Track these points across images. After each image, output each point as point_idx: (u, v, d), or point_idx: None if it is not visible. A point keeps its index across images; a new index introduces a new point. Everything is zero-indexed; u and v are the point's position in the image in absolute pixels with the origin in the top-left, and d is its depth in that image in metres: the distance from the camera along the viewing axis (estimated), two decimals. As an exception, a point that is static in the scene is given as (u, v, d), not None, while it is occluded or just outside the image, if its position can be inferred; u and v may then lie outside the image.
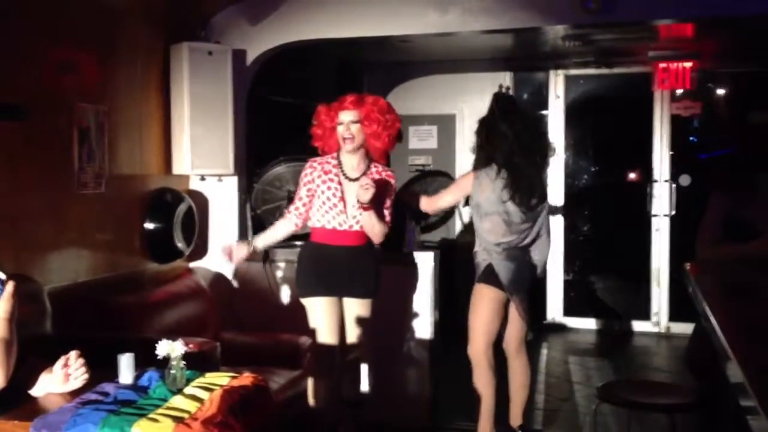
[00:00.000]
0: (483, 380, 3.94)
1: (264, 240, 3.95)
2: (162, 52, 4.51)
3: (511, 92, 7.05)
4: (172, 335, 2.88)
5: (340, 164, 3.80)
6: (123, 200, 4.19)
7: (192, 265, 4.77)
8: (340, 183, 3.76)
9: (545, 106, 7.32)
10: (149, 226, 4.37)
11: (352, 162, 3.79)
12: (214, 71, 4.56)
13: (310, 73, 6.57)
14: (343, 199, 3.74)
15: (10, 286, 2.41)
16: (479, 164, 4.00)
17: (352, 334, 3.92)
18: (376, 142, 3.77)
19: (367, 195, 3.53)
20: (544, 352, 6.65)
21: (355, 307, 3.88)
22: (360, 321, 3.90)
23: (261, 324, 4.59)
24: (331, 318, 3.83)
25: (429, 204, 4.26)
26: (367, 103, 3.75)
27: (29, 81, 3.48)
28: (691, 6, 4.49)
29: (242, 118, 4.85)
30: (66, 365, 2.46)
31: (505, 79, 7.11)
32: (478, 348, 3.93)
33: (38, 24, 3.52)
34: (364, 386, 4.14)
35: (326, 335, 3.81)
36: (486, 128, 4.01)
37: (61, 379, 2.46)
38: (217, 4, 4.77)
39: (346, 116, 3.73)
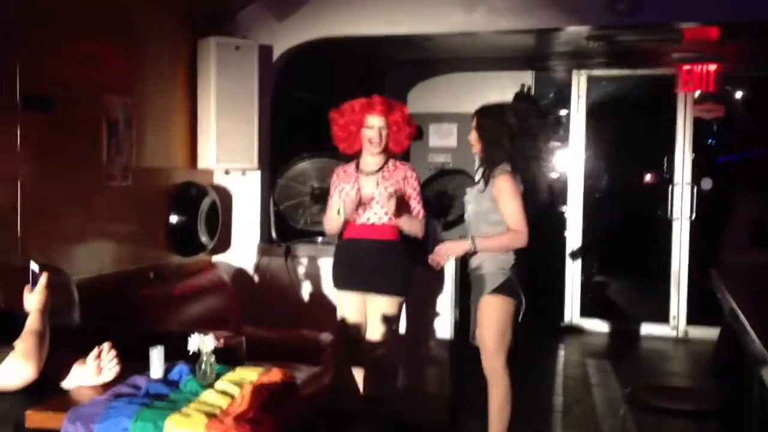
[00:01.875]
0: (506, 396, 3.73)
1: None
2: (189, 47, 4.53)
3: (532, 92, 7.06)
4: (195, 328, 2.90)
5: (357, 164, 3.96)
6: (149, 193, 4.21)
7: (215, 259, 4.79)
8: (357, 179, 3.90)
9: (567, 106, 7.29)
10: (174, 219, 4.39)
11: (374, 161, 3.92)
12: (241, 66, 4.58)
13: (331, 70, 6.57)
14: (359, 192, 3.86)
15: (43, 278, 2.43)
16: (502, 164, 3.75)
17: (376, 332, 3.88)
18: (396, 147, 3.96)
19: (391, 204, 3.65)
20: (561, 354, 6.65)
21: (379, 304, 3.86)
22: (385, 319, 3.86)
23: (281, 319, 4.60)
24: (353, 313, 3.93)
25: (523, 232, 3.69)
26: (395, 111, 3.87)
27: (59, 73, 3.50)
28: (717, 9, 4.47)
29: (267, 114, 4.86)
30: (99, 357, 2.48)
31: (526, 78, 7.09)
32: (501, 363, 3.71)
33: (68, 16, 3.54)
34: (386, 385, 4.06)
35: (347, 329, 3.94)
36: (506, 128, 3.74)
37: (93, 370, 2.48)
38: (243, 0, 4.78)
39: (376, 121, 3.84)
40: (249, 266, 4.85)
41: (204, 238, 4.55)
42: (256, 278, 4.85)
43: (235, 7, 4.79)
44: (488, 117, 3.80)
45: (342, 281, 3.96)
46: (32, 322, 2.36)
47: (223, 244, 4.81)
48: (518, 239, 3.63)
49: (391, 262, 3.86)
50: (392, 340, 3.94)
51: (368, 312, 3.91)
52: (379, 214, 3.83)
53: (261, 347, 4.04)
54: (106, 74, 3.84)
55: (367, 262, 3.85)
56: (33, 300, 2.41)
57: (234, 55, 4.57)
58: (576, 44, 6.38)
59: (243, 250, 4.86)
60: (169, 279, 4.24)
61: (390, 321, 3.88)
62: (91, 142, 3.71)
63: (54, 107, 3.40)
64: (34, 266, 2.48)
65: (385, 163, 3.91)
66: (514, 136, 3.73)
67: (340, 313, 4.00)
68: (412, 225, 3.85)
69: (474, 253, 3.75)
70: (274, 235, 4.88)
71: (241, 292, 4.67)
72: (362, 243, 3.86)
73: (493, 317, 3.69)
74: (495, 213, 3.69)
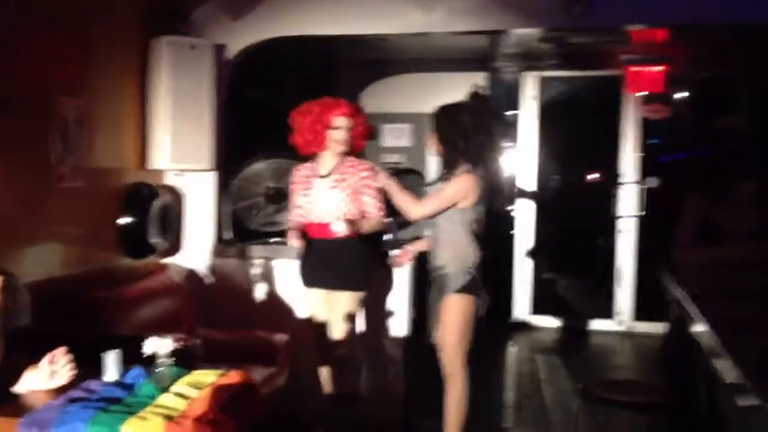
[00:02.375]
0: (463, 394, 3.78)
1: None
2: (142, 47, 4.47)
3: (485, 92, 7.13)
4: (147, 331, 2.87)
5: (315, 164, 4.04)
6: (99, 194, 4.14)
7: (167, 260, 4.73)
8: (312, 179, 4.01)
9: (518, 107, 7.39)
10: (124, 220, 4.32)
11: (330, 162, 3.99)
12: (195, 66, 4.53)
13: (285, 70, 6.55)
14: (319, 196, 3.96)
15: None
16: (460, 164, 3.80)
17: (338, 329, 3.96)
18: (357, 144, 4.06)
19: (344, 227, 3.73)
20: (511, 350, 6.74)
21: (340, 300, 3.96)
22: (345, 315, 3.94)
23: (236, 321, 4.57)
24: (318, 309, 4.07)
25: (421, 212, 3.86)
26: (359, 114, 4.01)
27: (8, 74, 3.42)
28: (664, 12, 4.57)
29: (221, 114, 4.82)
30: (52, 361, 2.44)
31: (479, 79, 7.15)
32: (460, 362, 3.77)
33: (17, 17, 3.46)
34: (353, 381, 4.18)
35: (315, 326, 4.09)
36: (461, 128, 3.80)
37: (47, 375, 2.44)
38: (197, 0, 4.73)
39: (344, 122, 3.92)
40: (202, 268, 4.81)
41: (155, 240, 4.49)
42: (209, 280, 4.80)
43: (189, 6, 4.74)
44: (444, 117, 3.85)
45: (307, 279, 4.09)
46: None
47: (176, 246, 4.76)
48: (412, 209, 3.84)
49: (350, 259, 3.95)
50: (354, 336, 4.05)
51: (331, 309, 3.99)
52: (335, 213, 3.90)
53: (215, 349, 3.98)
54: (57, 75, 3.77)
55: (327, 260, 3.95)
56: None
57: (188, 54, 4.52)
58: (528, 46, 6.48)
59: (196, 252, 4.81)
60: (120, 282, 4.18)
61: (352, 317, 3.98)
62: (40, 143, 3.63)
63: (9, 108, 3.33)
64: None
65: (341, 163, 3.97)
66: (469, 136, 3.77)
67: (309, 311, 4.13)
68: (370, 227, 3.94)
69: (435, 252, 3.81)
70: (228, 236, 4.84)
71: (195, 293, 4.62)
72: (322, 242, 3.95)
73: (455, 316, 3.74)
74: (454, 212, 3.73)
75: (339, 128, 3.91)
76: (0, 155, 3.35)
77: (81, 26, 3.96)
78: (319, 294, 4.05)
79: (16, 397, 2.42)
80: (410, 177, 6.95)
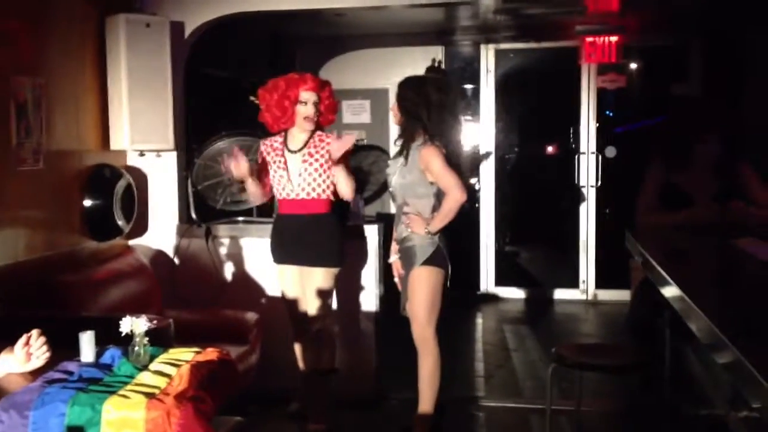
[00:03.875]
0: (436, 364, 3.80)
1: (251, 187, 4.02)
2: (97, 24, 4.37)
3: (443, 66, 7.16)
4: (116, 313, 2.84)
5: (285, 140, 3.97)
6: (61, 177, 4.07)
7: (132, 242, 4.68)
8: (283, 155, 3.94)
9: (477, 80, 7.42)
10: (87, 203, 4.26)
11: (301, 137, 3.95)
12: (152, 44, 4.45)
13: (243, 47, 6.48)
14: (286, 169, 3.92)
15: None
16: (420, 135, 3.80)
17: (313, 305, 3.98)
18: (324, 122, 4.02)
19: (338, 152, 3.72)
20: (479, 321, 6.82)
21: (314, 277, 3.95)
22: (319, 292, 3.94)
23: (204, 301, 4.55)
24: (291, 286, 4.06)
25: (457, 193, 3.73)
26: (326, 87, 3.95)
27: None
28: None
29: (181, 93, 4.76)
30: (27, 344, 2.41)
31: (437, 53, 7.18)
32: (431, 333, 3.79)
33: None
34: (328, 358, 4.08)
35: (288, 303, 4.08)
36: (425, 100, 3.78)
37: (22, 358, 2.41)
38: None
39: (311, 96, 3.87)
40: (168, 248, 4.76)
41: (120, 222, 4.43)
42: (176, 260, 4.76)
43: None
44: (408, 89, 3.85)
45: (279, 256, 4.05)
46: None
47: (141, 227, 4.70)
48: (456, 198, 3.69)
49: (324, 235, 3.94)
50: (329, 311, 4.06)
51: (306, 285, 3.99)
52: (307, 189, 3.90)
53: (186, 329, 3.97)
54: (12, 53, 3.68)
55: (300, 236, 3.93)
56: None
57: (144, 32, 4.44)
58: (484, 19, 6.50)
59: (161, 233, 4.76)
60: (86, 264, 4.12)
61: (327, 293, 4.00)
62: (-1, 124, 3.55)
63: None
64: None
65: (310, 138, 3.95)
66: (431, 109, 3.79)
67: (282, 287, 4.11)
68: (348, 180, 3.88)
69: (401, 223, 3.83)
70: (193, 215, 4.80)
71: (162, 275, 4.58)
72: (294, 218, 3.95)
73: (424, 288, 3.77)
74: (421, 185, 3.78)
75: (306, 102, 3.87)
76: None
77: (36, 3, 3.86)
78: (292, 271, 4.03)
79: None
80: (373, 153, 6.96)
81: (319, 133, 3.96)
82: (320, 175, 3.90)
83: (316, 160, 3.90)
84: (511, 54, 7.55)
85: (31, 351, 2.42)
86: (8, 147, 3.59)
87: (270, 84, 3.93)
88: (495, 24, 6.66)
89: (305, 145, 3.93)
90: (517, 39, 7.18)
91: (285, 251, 4.01)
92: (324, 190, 3.91)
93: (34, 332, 2.44)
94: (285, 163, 3.94)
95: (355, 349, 4.62)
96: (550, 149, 8.42)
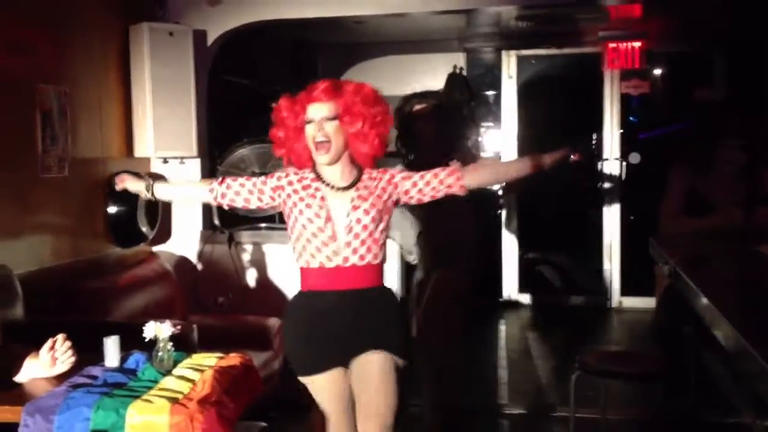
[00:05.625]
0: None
1: (165, 191, 2.96)
2: (121, 33, 4.42)
3: (464, 73, 7.15)
4: (140, 319, 2.86)
5: (319, 177, 2.68)
6: (86, 184, 4.11)
7: (156, 248, 4.71)
8: (323, 198, 2.63)
9: (498, 87, 7.41)
10: (112, 209, 4.30)
11: (335, 171, 2.67)
12: (175, 52, 4.50)
13: (265, 55, 6.52)
14: (330, 218, 2.61)
15: None
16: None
17: (371, 407, 2.66)
18: (361, 145, 2.64)
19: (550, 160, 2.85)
20: (502, 328, 6.78)
21: (376, 363, 2.65)
22: (387, 380, 2.65)
23: (227, 307, 4.57)
24: (339, 399, 2.70)
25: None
26: (346, 92, 2.61)
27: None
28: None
29: (204, 100, 4.80)
30: (52, 348, 2.43)
31: (458, 59, 7.17)
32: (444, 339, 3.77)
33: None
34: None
35: (337, 422, 2.72)
36: (449, 115, 3.83)
37: (48, 362, 2.43)
38: (174, -17, 4.70)
39: (318, 111, 2.60)
40: (191, 255, 4.79)
41: (144, 228, 4.47)
42: (199, 266, 4.79)
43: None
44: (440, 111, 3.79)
45: (312, 361, 2.68)
46: None
47: (164, 234, 4.74)
48: None
49: (386, 315, 2.70)
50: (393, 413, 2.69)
51: (357, 381, 2.67)
52: (360, 251, 2.62)
53: (209, 335, 4.00)
54: (38, 63, 3.73)
55: (349, 322, 2.64)
56: None
57: (168, 41, 4.49)
58: (506, 25, 6.49)
59: (185, 239, 4.80)
60: (110, 270, 4.16)
61: (392, 386, 2.66)
62: (25, 133, 3.59)
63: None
64: None
65: (360, 175, 2.70)
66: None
67: (319, 402, 2.75)
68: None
69: None
70: (216, 222, 4.83)
71: (185, 281, 4.61)
72: (338, 296, 2.63)
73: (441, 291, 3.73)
74: None
75: (312, 121, 2.61)
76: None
77: (59, 13, 3.91)
78: (328, 379, 2.68)
79: (18, 385, 2.41)
80: (391, 161, 6.97)
81: (368, 170, 2.71)
82: (379, 230, 2.66)
83: (373, 205, 2.63)
84: (533, 60, 7.53)
85: (56, 355, 2.44)
86: (34, 155, 3.63)
87: (280, 101, 2.72)
88: (517, 30, 6.65)
89: (357, 181, 2.68)
90: (539, 45, 7.16)
91: (328, 348, 2.65)
92: (378, 254, 2.67)
93: (60, 337, 2.47)
94: (328, 210, 2.62)
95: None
96: (573, 155, 8.37)
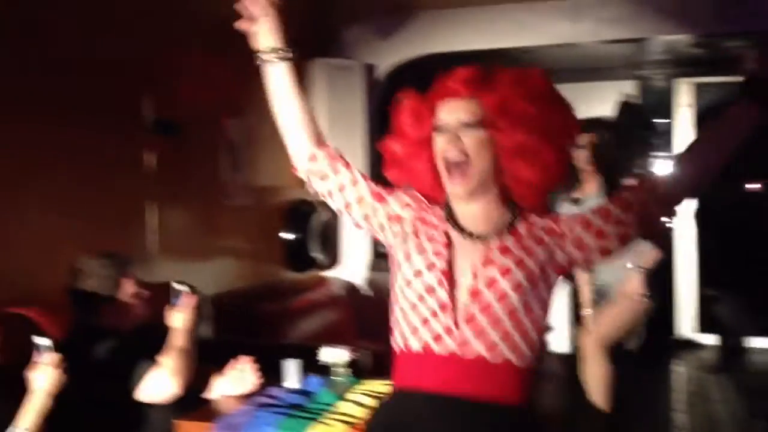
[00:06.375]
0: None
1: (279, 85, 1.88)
2: (297, 68, 4.63)
3: (635, 101, 6.92)
4: (314, 342, 2.95)
5: (451, 215, 1.71)
6: (264, 211, 4.33)
7: (327, 274, 4.87)
8: (448, 243, 1.66)
9: (671, 115, 7.11)
10: (287, 236, 4.49)
11: (474, 211, 1.69)
12: (347, 86, 4.68)
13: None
14: (449, 273, 1.63)
15: (192, 299, 2.50)
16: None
17: None
18: (524, 169, 1.64)
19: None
20: (677, 369, 6.43)
21: None
22: None
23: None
24: None
25: None
26: (501, 84, 1.66)
27: (183, 97, 3.65)
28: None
29: (373, 132, 4.93)
30: (240, 368, 2.56)
31: (629, 87, 6.95)
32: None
33: (189, 43, 3.69)
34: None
35: None
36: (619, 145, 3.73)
37: (235, 381, 2.55)
38: (346, 21, 4.88)
39: (452, 113, 1.67)
40: (361, 281, 4.91)
41: (316, 254, 4.63)
42: (369, 293, 4.89)
43: (339, 28, 4.89)
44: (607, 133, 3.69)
45: None
46: (179, 340, 2.42)
47: (336, 260, 4.88)
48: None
49: None
50: None
51: None
52: (492, 336, 1.58)
53: (380, 362, 4.08)
54: (224, 97, 3.98)
55: None
56: (179, 319, 2.48)
57: (340, 75, 4.68)
58: (680, 51, 6.23)
59: (354, 265, 4.92)
60: (285, 294, 4.34)
61: None
62: (212, 163, 3.84)
63: (181, 130, 3.55)
64: (177, 286, 2.55)
65: (514, 220, 1.68)
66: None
67: None
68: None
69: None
70: (382, 249, 4.91)
71: (355, 306, 4.72)
72: (433, 405, 1.58)
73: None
74: None
75: (444, 129, 1.67)
76: (178, 176, 3.57)
77: (244, 52, 4.15)
78: None
79: (207, 402, 2.55)
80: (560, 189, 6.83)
81: (528, 214, 1.70)
82: (530, 308, 1.61)
83: (521, 263, 1.61)
84: (711, 88, 7.18)
85: (243, 375, 2.56)
86: (220, 183, 3.87)
87: (402, 102, 1.88)
88: (692, 57, 6.37)
89: (508, 228, 1.67)
90: (716, 72, 6.82)
91: None
92: (525, 350, 1.60)
93: (248, 359, 2.59)
94: (450, 261, 1.64)
95: (544, 389, 4.50)
96: (755, 186, 7.87)
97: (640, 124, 6.46)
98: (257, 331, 3.81)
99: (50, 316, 2.62)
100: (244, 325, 3.78)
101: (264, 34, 1.79)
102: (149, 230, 3.40)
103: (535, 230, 1.67)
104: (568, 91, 5.57)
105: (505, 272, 1.59)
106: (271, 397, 2.52)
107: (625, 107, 6.54)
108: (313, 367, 2.68)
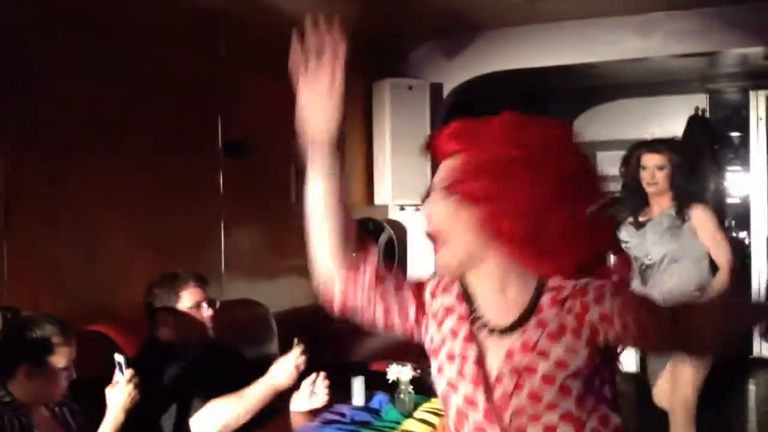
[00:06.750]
0: None
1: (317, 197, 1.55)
2: (365, 88, 4.72)
3: (707, 115, 6.78)
4: (377, 360, 2.98)
5: (465, 295, 1.43)
6: (331, 230, 4.39)
7: (392, 292, 4.90)
8: (471, 337, 1.39)
9: (746, 128, 6.93)
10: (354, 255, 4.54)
11: (487, 290, 1.40)
12: (413, 105, 4.73)
13: (495, 104, 6.59)
14: (482, 376, 1.35)
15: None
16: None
17: None
18: (503, 224, 1.33)
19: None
20: (752, 389, 6.23)
21: None
22: None
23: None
24: None
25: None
26: (485, 135, 1.40)
27: (253, 119, 3.75)
28: None
29: (439, 149, 4.96)
30: (313, 384, 2.62)
31: (700, 101, 6.82)
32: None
33: (259, 64, 3.79)
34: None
35: None
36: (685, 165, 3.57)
37: (307, 396, 2.61)
38: (414, 42, 4.93)
39: (438, 173, 1.45)
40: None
41: (382, 273, 4.67)
42: (432, 311, 4.91)
43: (406, 49, 4.95)
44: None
45: None
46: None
47: (401, 278, 4.92)
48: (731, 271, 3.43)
49: None
50: None
51: None
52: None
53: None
54: (292, 117, 4.07)
55: None
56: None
57: (407, 94, 4.73)
58: (753, 64, 6.08)
59: (418, 283, 4.94)
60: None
61: None
62: (280, 183, 3.93)
63: (249, 151, 3.65)
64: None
65: (539, 294, 1.34)
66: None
67: None
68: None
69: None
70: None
71: (419, 325, 4.74)
72: None
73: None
74: (697, 247, 3.50)
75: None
76: (248, 196, 3.67)
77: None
78: None
79: (278, 416, 2.61)
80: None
81: (552, 280, 1.34)
82: (579, 399, 1.31)
83: (554, 342, 1.30)
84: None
85: (315, 390, 2.62)
86: (288, 203, 3.95)
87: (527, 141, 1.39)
88: (764, 70, 6.21)
89: (532, 309, 1.34)
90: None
91: None
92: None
93: (320, 374, 2.65)
94: (480, 358, 1.35)
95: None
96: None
97: (710, 141, 6.31)
98: (325, 347, 3.85)
99: (127, 333, 2.72)
100: (311, 342, 3.83)
101: (316, 121, 1.44)
102: (222, 250, 3.50)
103: (568, 301, 1.31)
104: (638, 105, 5.54)
105: (531, 371, 1.29)
106: (338, 414, 2.56)
107: (695, 123, 6.41)
108: (379, 384, 2.72)
